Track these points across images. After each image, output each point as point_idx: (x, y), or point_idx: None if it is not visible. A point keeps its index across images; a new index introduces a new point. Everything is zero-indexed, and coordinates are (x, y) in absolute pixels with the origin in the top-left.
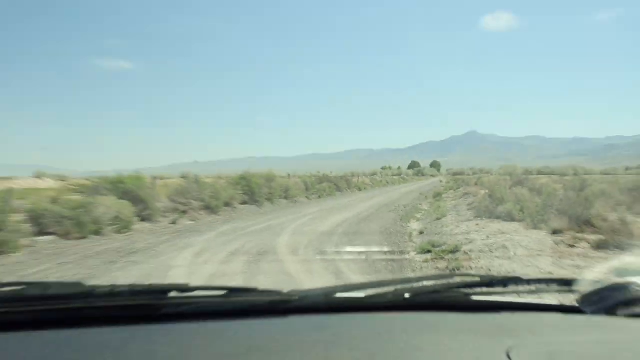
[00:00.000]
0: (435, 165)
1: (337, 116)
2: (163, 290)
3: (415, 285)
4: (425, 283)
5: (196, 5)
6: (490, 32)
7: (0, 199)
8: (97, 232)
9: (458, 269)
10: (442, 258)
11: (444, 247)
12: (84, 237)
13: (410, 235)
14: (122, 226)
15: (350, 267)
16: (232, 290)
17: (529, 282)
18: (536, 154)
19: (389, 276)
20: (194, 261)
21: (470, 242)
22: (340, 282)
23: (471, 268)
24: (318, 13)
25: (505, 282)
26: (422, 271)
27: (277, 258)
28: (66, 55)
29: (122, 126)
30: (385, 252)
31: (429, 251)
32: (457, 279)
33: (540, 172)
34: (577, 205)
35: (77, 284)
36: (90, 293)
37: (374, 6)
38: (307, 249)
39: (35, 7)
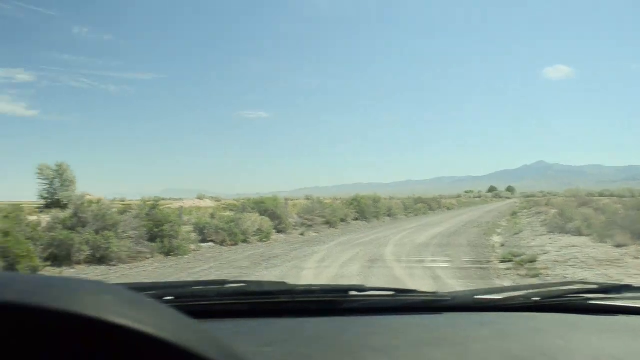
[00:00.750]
0: (510, 189)
1: (426, 149)
2: (345, 290)
3: (542, 290)
4: (550, 289)
5: (314, 70)
6: (551, 80)
7: (175, 215)
8: (244, 241)
9: (537, 277)
10: (522, 267)
11: (522, 257)
12: (235, 244)
13: (493, 246)
14: (263, 236)
15: (445, 272)
16: (398, 291)
17: (639, 289)
18: (596, 179)
19: (478, 281)
20: (320, 265)
21: (545, 253)
22: (439, 285)
23: (548, 276)
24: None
25: (618, 289)
26: (506, 277)
27: (384, 264)
28: (223, 109)
29: (260, 159)
30: (473, 261)
31: (510, 260)
32: (577, 286)
33: (601, 195)
34: (638, 222)
35: (283, 283)
36: (292, 290)
37: (458, 56)
38: (409, 256)
39: (206, 76)
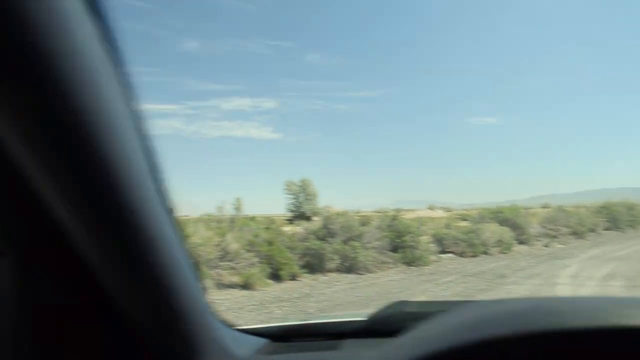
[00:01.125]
0: None
1: None
2: None
3: None
4: None
5: (543, 69)
6: None
7: (414, 226)
8: (484, 252)
9: None
10: None
11: None
12: (475, 256)
13: None
14: (504, 248)
15: None
16: None
17: None
18: None
19: None
20: (573, 281)
21: None
22: None
23: None
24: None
25: None
26: None
27: None
28: (449, 118)
29: (489, 166)
30: None
31: None
32: None
33: None
34: None
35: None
36: None
37: None
38: None
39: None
